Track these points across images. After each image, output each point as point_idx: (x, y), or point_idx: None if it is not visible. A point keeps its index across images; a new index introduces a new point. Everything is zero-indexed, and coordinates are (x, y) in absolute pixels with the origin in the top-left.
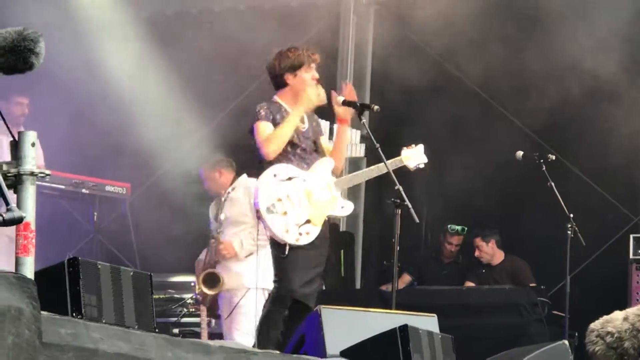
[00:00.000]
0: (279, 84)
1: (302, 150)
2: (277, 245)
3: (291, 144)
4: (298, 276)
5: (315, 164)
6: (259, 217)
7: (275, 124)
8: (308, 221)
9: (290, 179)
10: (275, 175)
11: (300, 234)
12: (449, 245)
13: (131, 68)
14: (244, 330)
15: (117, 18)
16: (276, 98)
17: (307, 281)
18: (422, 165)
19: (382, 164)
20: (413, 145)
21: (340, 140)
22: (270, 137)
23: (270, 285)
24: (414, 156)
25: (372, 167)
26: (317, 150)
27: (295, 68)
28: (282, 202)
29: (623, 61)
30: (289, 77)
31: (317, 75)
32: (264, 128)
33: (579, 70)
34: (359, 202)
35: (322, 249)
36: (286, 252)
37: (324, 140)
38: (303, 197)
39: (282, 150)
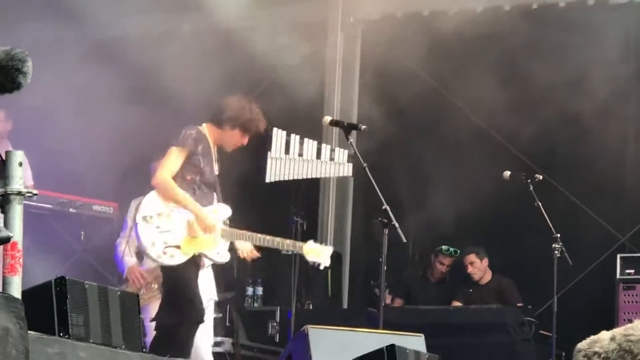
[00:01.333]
0: (218, 122)
1: (206, 186)
2: (138, 254)
3: (201, 176)
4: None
5: (217, 205)
6: (131, 225)
7: (194, 153)
8: (178, 247)
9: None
10: (166, 199)
11: (164, 252)
12: (440, 266)
13: (119, 83)
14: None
15: (106, 35)
16: (204, 127)
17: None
18: (321, 267)
19: (288, 241)
20: (324, 244)
21: (267, 241)
22: (170, 183)
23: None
24: (317, 253)
25: (267, 238)
26: (215, 190)
27: (238, 126)
28: (161, 218)
29: (610, 83)
30: (226, 127)
31: (245, 144)
32: (175, 158)
33: (566, 92)
34: (347, 221)
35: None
36: (143, 264)
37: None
38: (183, 225)
39: (188, 180)
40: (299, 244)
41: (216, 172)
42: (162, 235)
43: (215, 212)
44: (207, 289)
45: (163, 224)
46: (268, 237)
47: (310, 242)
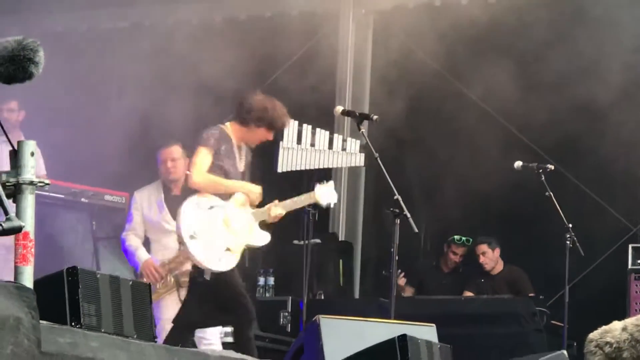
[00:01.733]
0: (242, 121)
1: (226, 178)
2: (197, 270)
3: (225, 176)
4: (195, 312)
5: (235, 195)
6: (180, 242)
7: (217, 154)
8: (228, 249)
9: (211, 207)
10: (197, 204)
11: (219, 260)
12: (453, 256)
13: (129, 74)
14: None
15: (119, 26)
16: (227, 126)
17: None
18: (332, 205)
19: (301, 196)
20: (325, 182)
21: (288, 205)
22: (209, 177)
23: None
24: (326, 193)
25: (288, 200)
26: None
27: (264, 124)
28: (204, 230)
29: (623, 73)
30: (251, 125)
31: (270, 139)
32: (204, 156)
33: (579, 82)
34: (358, 211)
35: (234, 277)
36: (207, 277)
37: None
38: (222, 225)
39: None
40: (310, 194)
41: (241, 169)
42: (211, 246)
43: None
44: None
45: (207, 233)
46: (287, 202)
47: (317, 187)
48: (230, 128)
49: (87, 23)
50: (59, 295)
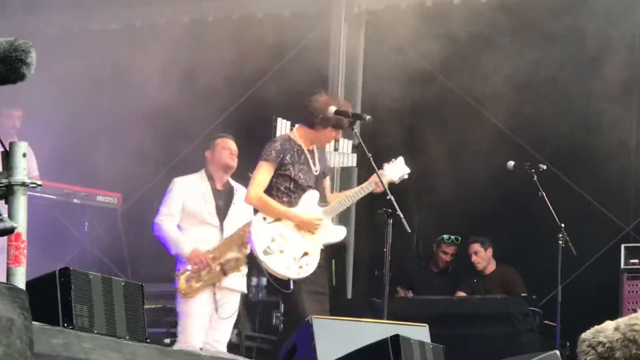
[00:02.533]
0: (309, 124)
1: (297, 187)
2: (281, 283)
3: (290, 179)
4: (305, 304)
5: (302, 198)
6: (258, 261)
7: (282, 165)
8: (305, 253)
9: (279, 218)
10: (264, 219)
11: (300, 267)
12: (444, 255)
13: (121, 73)
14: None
15: (111, 28)
16: (294, 132)
17: (313, 302)
18: (406, 176)
19: (367, 183)
20: (393, 160)
21: (356, 193)
22: (262, 198)
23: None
24: (395, 170)
25: (356, 189)
26: (312, 187)
27: (332, 125)
28: (277, 242)
29: (616, 73)
30: (319, 127)
31: (339, 137)
32: (264, 172)
33: (572, 82)
34: (351, 212)
35: (321, 274)
36: (291, 287)
37: (328, 179)
38: (295, 232)
39: (277, 185)
40: (380, 177)
41: (316, 172)
42: (289, 256)
43: (305, 206)
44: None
45: (281, 244)
46: (356, 190)
47: (385, 165)
48: (297, 133)
49: (79, 24)
50: (52, 297)
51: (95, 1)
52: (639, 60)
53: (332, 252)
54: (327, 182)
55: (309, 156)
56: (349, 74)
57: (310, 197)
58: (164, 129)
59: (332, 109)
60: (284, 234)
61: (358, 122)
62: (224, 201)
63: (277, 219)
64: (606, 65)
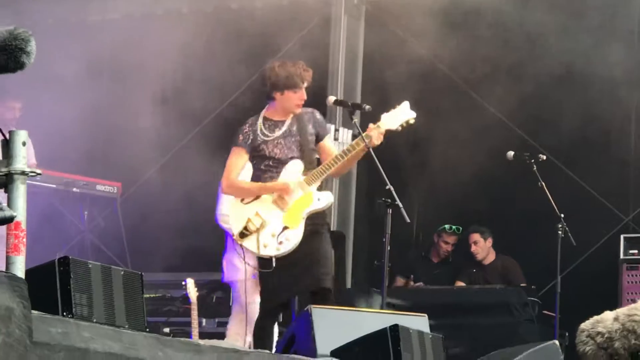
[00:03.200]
0: (267, 96)
1: (278, 162)
2: (262, 262)
3: (268, 157)
4: (286, 285)
5: (284, 170)
6: (235, 242)
7: (253, 147)
8: (285, 227)
9: (258, 196)
10: (242, 200)
11: (280, 242)
12: (445, 245)
13: (120, 66)
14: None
15: (110, 17)
16: (264, 113)
17: (296, 282)
18: (411, 121)
19: (350, 145)
20: (396, 105)
21: (354, 157)
22: (234, 184)
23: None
24: (394, 117)
25: (338, 153)
26: (296, 157)
27: (283, 87)
28: (252, 221)
29: (616, 64)
30: (276, 94)
31: (304, 96)
32: (235, 158)
33: (571, 72)
34: (350, 201)
35: (308, 244)
36: (273, 265)
37: (328, 143)
38: (273, 208)
39: (257, 166)
40: (376, 125)
41: (293, 144)
42: (266, 234)
43: (285, 172)
44: None
45: (257, 222)
46: (339, 153)
47: (383, 115)
48: (265, 112)
49: (78, 15)
50: (51, 285)
51: None
52: (638, 50)
53: (332, 242)
54: (326, 144)
55: (284, 127)
56: (348, 64)
57: (291, 167)
58: (163, 119)
59: (332, 98)
60: (260, 212)
61: (358, 112)
62: None
63: (256, 197)
64: (606, 54)
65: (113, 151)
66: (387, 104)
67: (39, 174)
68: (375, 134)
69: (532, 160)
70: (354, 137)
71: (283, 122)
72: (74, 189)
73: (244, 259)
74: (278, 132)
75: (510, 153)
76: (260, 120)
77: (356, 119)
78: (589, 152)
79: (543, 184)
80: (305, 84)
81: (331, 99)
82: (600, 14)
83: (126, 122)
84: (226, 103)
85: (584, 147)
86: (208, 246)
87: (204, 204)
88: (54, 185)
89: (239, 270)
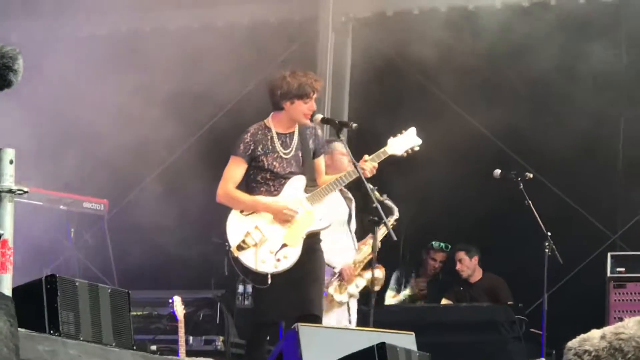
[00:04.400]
0: (275, 106)
1: (276, 176)
2: (257, 278)
3: (265, 170)
4: (279, 302)
5: (286, 185)
6: (233, 257)
7: (253, 157)
8: (284, 245)
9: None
10: (242, 211)
11: (278, 260)
12: (432, 262)
13: (104, 83)
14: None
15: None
16: (269, 120)
17: (286, 304)
18: (417, 148)
19: (345, 173)
20: (403, 131)
21: (343, 177)
22: (229, 193)
23: None
24: (401, 142)
25: (343, 173)
26: (294, 172)
27: (294, 97)
28: (252, 235)
29: (602, 82)
30: (286, 104)
31: (314, 107)
32: (233, 168)
33: (558, 90)
34: None
35: (303, 264)
36: (268, 282)
37: (322, 162)
38: (273, 223)
39: (253, 176)
40: (382, 150)
41: (292, 157)
42: (265, 249)
43: (289, 194)
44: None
45: (256, 237)
46: (343, 174)
47: (390, 139)
48: (271, 120)
49: (66, 29)
50: (38, 303)
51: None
52: (623, 72)
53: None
54: (320, 162)
55: (288, 141)
56: (335, 81)
57: (295, 183)
58: (149, 137)
59: (319, 116)
60: (260, 226)
61: (345, 130)
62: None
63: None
64: (592, 75)
65: (100, 169)
66: (375, 123)
67: (26, 192)
68: (369, 166)
69: (519, 179)
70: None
71: (292, 136)
72: (61, 207)
73: (240, 272)
74: (292, 148)
75: (497, 171)
76: (273, 135)
77: (343, 137)
78: (576, 170)
79: (530, 202)
80: (316, 95)
81: (318, 117)
82: (585, 26)
83: (113, 138)
84: (216, 118)
85: (571, 166)
86: (196, 264)
87: (192, 221)
88: (41, 203)
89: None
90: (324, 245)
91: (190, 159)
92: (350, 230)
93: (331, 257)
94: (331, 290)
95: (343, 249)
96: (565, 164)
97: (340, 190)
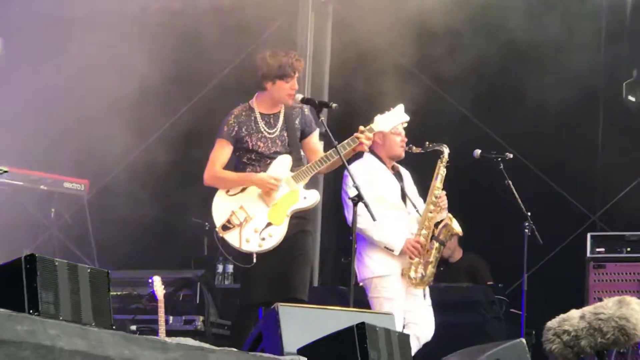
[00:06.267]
0: (258, 86)
1: (261, 156)
2: (243, 257)
3: (250, 151)
4: (267, 283)
5: (272, 164)
6: (218, 237)
7: (237, 139)
8: (269, 224)
9: (244, 189)
10: (227, 192)
11: (263, 239)
12: None
13: (88, 62)
14: None
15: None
16: (253, 101)
17: (273, 285)
18: (405, 124)
19: (339, 145)
20: (390, 108)
21: (327, 156)
22: (215, 174)
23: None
24: (388, 119)
25: (328, 152)
26: (284, 152)
27: (275, 77)
28: (236, 215)
29: (583, 66)
30: (268, 84)
31: (296, 86)
32: (219, 150)
33: (539, 71)
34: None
35: (293, 245)
36: (254, 261)
37: (313, 140)
38: (259, 202)
39: (239, 158)
40: (368, 127)
41: (276, 137)
42: (249, 228)
43: (274, 167)
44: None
45: (241, 216)
46: (329, 152)
47: (377, 116)
48: (255, 101)
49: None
50: (17, 283)
51: None
52: (606, 57)
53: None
54: (311, 141)
55: (272, 121)
56: (315, 63)
57: (280, 163)
58: (131, 117)
59: (299, 96)
60: (245, 205)
61: (325, 110)
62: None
63: (241, 190)
64: (573, 59)
65: (81, 149)
66: (354, 103)
67: (6, 172)
68: (364, 137)
69: (499, 159)
70: (321, 135)
71: (277, 117)
72: (41, 187)
73: (226, 253)
74: (277, 128)
75: (477, 151)
76: (257, 115)
77: (323, 117)
78: (556, 151)
79: (510, 182)
80: (297, 74)
81: (298, 97)
82: (563, 12)
83: (94, 120)
84: (196, 98)
85: (551, 145)
86: (176, 244)
87: (172, 201)
88: (21, 183)
89: (382, 266)
90: (382, 230)
91: (172, 138)
92: (406, 206)
93: (389, 240)
94: (412, 274)
95: (397, 229)
96: (545, 144)
97: (392, 167)
